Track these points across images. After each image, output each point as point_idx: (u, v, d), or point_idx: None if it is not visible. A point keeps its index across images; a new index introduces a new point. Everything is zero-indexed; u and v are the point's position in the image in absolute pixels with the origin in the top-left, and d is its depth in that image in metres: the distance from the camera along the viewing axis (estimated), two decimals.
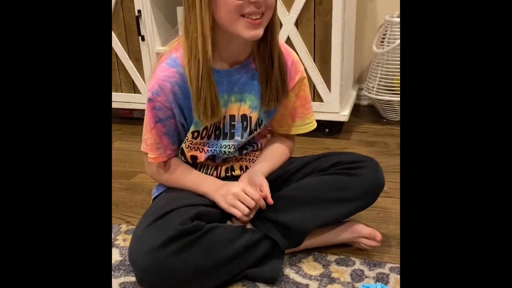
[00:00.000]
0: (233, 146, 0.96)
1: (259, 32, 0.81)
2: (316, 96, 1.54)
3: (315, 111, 1.06)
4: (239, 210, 0.87)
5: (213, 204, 0.92)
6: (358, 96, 1.87)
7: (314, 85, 1.53)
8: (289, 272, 0.92)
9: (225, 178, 0.98)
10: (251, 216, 0.90)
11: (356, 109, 1.84)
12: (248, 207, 0.88)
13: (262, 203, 0.88)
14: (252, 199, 0.87)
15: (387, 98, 1.67)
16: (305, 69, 1.49)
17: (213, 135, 0.94)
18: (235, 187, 0.89)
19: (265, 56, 0.89)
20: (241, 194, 0.88)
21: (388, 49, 1.62)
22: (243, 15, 0.79)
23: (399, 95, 1.65)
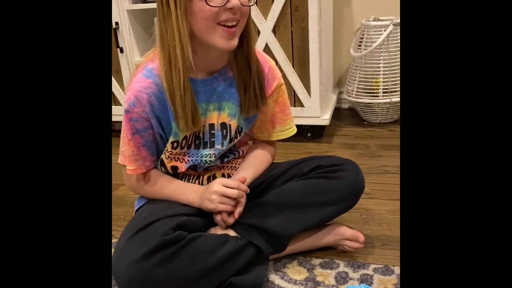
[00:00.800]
0: (214, 155, 0.96)
1: (234, 42, 0.82)
2: (296, 101, 1.55)
3: (296, 116, 1.07)
4: (227, 205, 0.88)
5: (197, 213, 0.91)
6: (339, 100, 1.89)
7: (294, 91, 1.54)
8: (274, 278, 0.93)
9: None
10: (238, 211, 0.90)
11: (337, 113, 1.86)
12: (233, 199, 0.89)
13: (243, 187, 0.90)
14: (233, 188, 0.88)
15: (366, 100, 1.69)
16: (285, 75, 1.52)
17: (193, 145, 0.94)
18: (213, 185, 0.89)
19: (242, 64, 0.90)
20: (221, 189, 0.88)
21: (365, 53, 1.65)
22: (219, 23, 0.79)
23: (378, 98, 1.67)
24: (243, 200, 0.91)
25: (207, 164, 0.97)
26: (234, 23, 0.80)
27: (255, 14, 1.47)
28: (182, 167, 0.95)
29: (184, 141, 0.92)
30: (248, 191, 0.91)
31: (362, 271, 0.93)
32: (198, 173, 0.99)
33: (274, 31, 1.49)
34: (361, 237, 0.97)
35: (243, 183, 0.91)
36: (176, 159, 0.95)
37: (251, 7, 0.84)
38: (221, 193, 0.88)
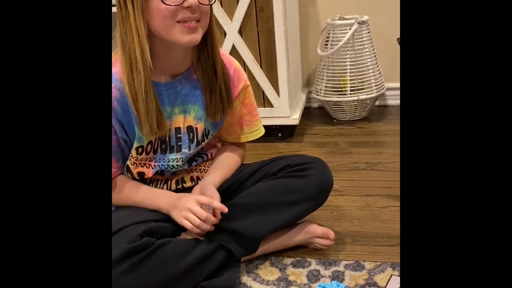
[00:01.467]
0: (181, 159, 0.95)
1: (197, 36, 0.81)
2: (266, 102, 1.56)
3: (266, 117, 1.07)
4: (191, 222, 0.86)
5: (165, 219, 0.90)
6: (308, 99, 1.91)
7: (263, 91, 1.54)
8: (247, 279, 0.92)
9: (176, 191, 0.97)
10: (206, 227, 0.88)
11: (307, 112, 1.87)
12: (200, 218, 0.86)
13: (212, 219, 0.86)
14: (207, 203, 0.86)
15: (335, 99, 1.71)
16: (253, 76, 1.52)
17: (159, 150, 0.93)
18: (188, 201, 0.87)
19: (207, 66, 0.89)
20: (193, 207, 0.86)
21: (331, 52, 1.67)
22: (178, 22, 0.79)
23: (346, 96, 1.69)
24: (211, 222, 0.87)
25: (174, 169, 0.96)
26: (194, 22, 0.80)
27: (221, 15, 1.47)
28: (149, 172, 0.94)
29: (149, 146, 0.91)
30: (224, 210, 0.87)
31: (334, 268, 0.93)
32: (166, 177, 0.98)
33: (240, 32, 1.49)
34: (332, 234, 0.98)
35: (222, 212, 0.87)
36: (142, 165, 0.93)
37: (212, 6, 0.84)
38: (191, 210, 0.86)
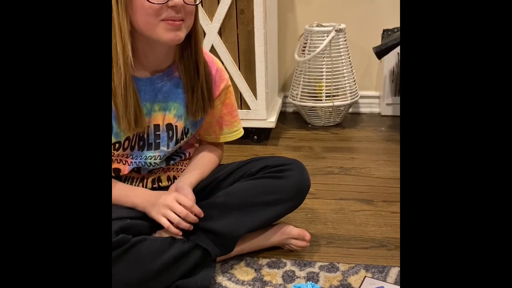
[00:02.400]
0: (159, 157, 0.93)
1: (180, 34, 0.80)
2: (243, 104, 1.56)
3: (242, 119, 1.07)
4: (170, 219, 0.85)
5: (141, 216, 0.88)
6: (284, 104, 1.93)
7: (240, 93, 1.55)
8: (222, 279, 0.92)
9: (152, 190, 0.95)
10: (185, 225, 0.87)
11: (283, 116, 1.89)
12: (180, 216, 0.85)
13: (192, 217, 0.86)
14: (185, 207, 0.85)
15: (310, 104, 1.74)
16: (231, 78, 1.52)
17: (136, 146, 0.91)
18: (167, 198, 0.86)
19: (190, 64, 0.89)
20: (172, 203, 0.85)
21: (308, 58, 1.69)
22: (162, 20, 0.78)
23: (322, 101, 1.72)
24: (190, 219, 0.87)
25: (151, 167, 0.94)
26: (178, 22, 0.79)
27: (201, 15, 1.46)
28: (125, 169, 0.92)
29: (126, 142, 0.89)
30: (201, 215, 0.87)
31: (309, 269, 0.94)
32: (142, 175, 0.96)
33: (220, 33, 1.49)
34: (307, 236, 0.99)
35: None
36: (119, 161, 0.91)
37: (197, 6, 0.84)
38: (170, 207, 0.85)
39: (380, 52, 1.64)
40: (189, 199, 0.87)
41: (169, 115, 0.92)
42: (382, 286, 0.87)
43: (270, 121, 1.59)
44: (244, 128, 1.06)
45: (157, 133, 0.92)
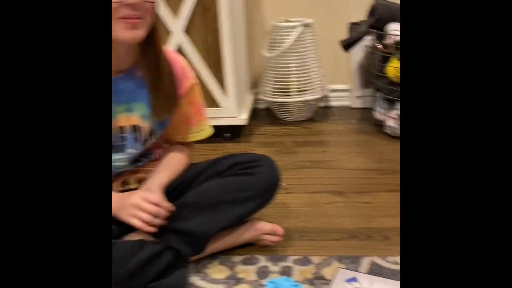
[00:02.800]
0: (126, 160, 0.92)
1: (139, 32, 0.79)
2: (213, 102, 1.55)
3: (213, 117, 1.06)
4: (141, 219, 0.84)
5: None
6: (256, 100, 1.92)
7: (210, 91, 1.54)
8: (195, 279, 0.91)
9: (121, 192, 0.94)
10: (158, 222, 0.85)
11: (255, 113, 1.89)
12: (150, 213, 0.84)
13: (163, 213, 0.86)
14: (155, 204, 0.84)
15: (281, 100, 1.74)
16: (200, 76, 1.50)
17: None
18: (134, 197, 0.85)
19: (152, 63, 0.87)
20: (140, 203, 0.84)
21: (276, 53, 1.69)
22: (120, 18, 0.76)
23: (292, 97, 1.73)
24: (162, 217, 0.86)
25: (118, 170, 0.93)
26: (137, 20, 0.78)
27: (166, 14, 1.44)
28: None
29: None
30: (171, 209, 0.87)
31: (282, 264, 0.95)
32: None
33: (187, 31, 1.47)
34: (280, 230, 0.99)
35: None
36: None
37: (158, 5, 0.82)
38: (139, 206, 0.84)
39: (347, 45, 1.65)
40: (159, 200, 0.86)
41: (134, 116, 0.90)
42: (355, 277, 0.88)
43: (242, 118, 1.58)
44: (215, 126, 1.06)
45: (122, 135, 0.90)
